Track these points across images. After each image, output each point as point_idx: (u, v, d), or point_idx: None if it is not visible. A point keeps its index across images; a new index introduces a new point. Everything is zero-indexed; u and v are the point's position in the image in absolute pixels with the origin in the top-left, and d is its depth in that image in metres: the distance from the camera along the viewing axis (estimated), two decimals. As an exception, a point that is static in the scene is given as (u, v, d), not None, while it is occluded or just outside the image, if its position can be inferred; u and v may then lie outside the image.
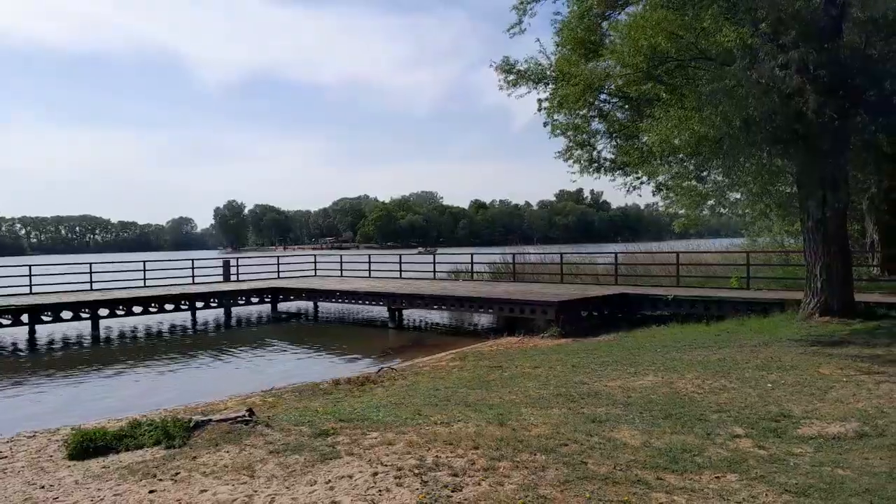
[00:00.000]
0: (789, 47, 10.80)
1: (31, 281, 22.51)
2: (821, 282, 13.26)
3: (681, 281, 20.05)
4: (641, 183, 15.80)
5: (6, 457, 6.43)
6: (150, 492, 5.00)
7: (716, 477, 5.00)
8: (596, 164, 16.64)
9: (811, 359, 9.72)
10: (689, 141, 11.47)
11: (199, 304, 22.72)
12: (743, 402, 7.33)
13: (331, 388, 10.30)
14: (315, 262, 31.81)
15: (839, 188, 12.59)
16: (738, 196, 13.56)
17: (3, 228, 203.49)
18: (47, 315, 19.03)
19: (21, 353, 17.09)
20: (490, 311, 18.77)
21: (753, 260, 19.85)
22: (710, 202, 13.50)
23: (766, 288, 18.37)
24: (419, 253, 46.38)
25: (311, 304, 25.35)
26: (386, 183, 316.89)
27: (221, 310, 23.77)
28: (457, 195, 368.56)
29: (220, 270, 28.71)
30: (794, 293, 15.89)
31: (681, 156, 13.06)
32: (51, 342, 18.61)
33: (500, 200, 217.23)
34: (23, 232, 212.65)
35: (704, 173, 13.40)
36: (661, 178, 14.64)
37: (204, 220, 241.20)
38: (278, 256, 31.40)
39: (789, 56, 10.56)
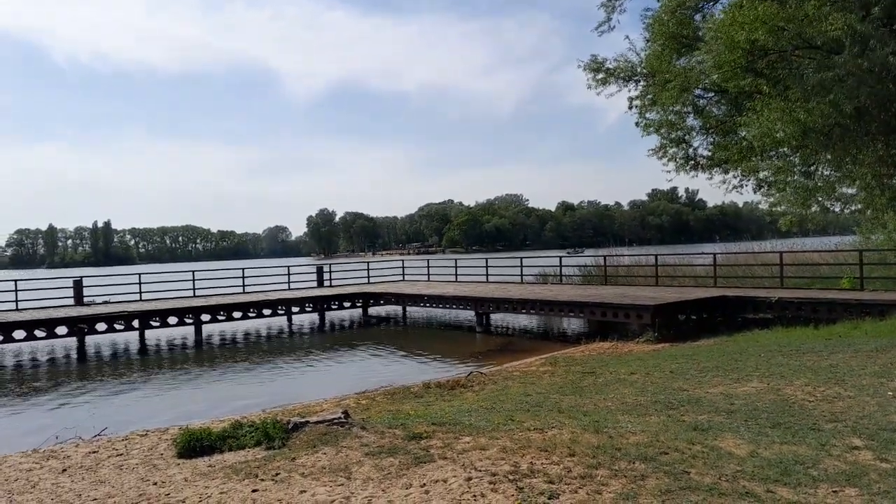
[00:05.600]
0: None
1: (140, 288, 23.99)
2: (946, 281, 12.22)
3: (785, 282, 18.99)
4: (743, 181, 15.03)
5: (122, 454, 6.82)
6: (254, 491, 5.16)
7: (833, 491, 4.64)
8: (693, 162, 15.98)
9: (937, 365, 8.94)
10: (794, 133, 10.83)
11: (294, 309, 23.58)
12: (860, 412, 6.81)
13: (421, 391, 10.37)
14: (403, 267, 32.28)
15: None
16: (852, 191, 12.67)
17: (116, 240, 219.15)
18: (155, 320, 20.19)
19: (133, 356, 18.20)
20: (581, 315, 18.39)
21: (867, 259, 18.50)
22: (820, 198, 12.67)
23: (883, 289, 17.09)
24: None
25: (399, 308, 25.71)
26: (470, 187, 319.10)
27: (316, 314, 24.53)
28: (542, 197, 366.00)
29: (314, 276, 29.62)
30: (914, 294, 14.74)
31: (784, 149, 12.35)
32: (158, 346, 19.72)
33: (589, 201, 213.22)
34: (132, 242, 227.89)
35: (811, 167, 12.62)
36: (762, 175, 13.88)
37: (297, 228, 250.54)
38: (368, 262, 32.09)
39: None
